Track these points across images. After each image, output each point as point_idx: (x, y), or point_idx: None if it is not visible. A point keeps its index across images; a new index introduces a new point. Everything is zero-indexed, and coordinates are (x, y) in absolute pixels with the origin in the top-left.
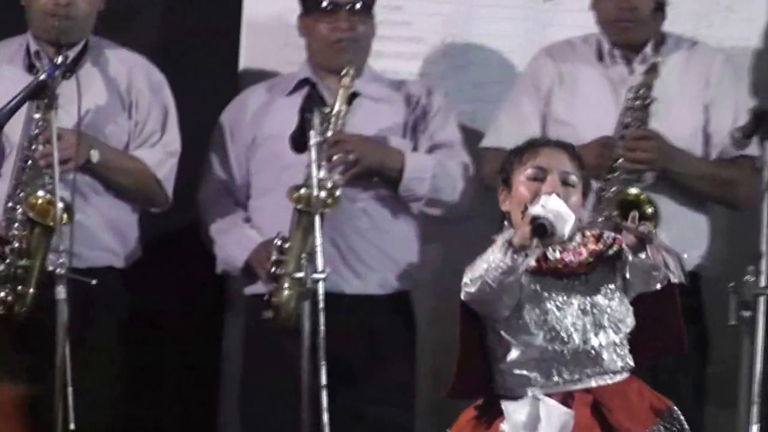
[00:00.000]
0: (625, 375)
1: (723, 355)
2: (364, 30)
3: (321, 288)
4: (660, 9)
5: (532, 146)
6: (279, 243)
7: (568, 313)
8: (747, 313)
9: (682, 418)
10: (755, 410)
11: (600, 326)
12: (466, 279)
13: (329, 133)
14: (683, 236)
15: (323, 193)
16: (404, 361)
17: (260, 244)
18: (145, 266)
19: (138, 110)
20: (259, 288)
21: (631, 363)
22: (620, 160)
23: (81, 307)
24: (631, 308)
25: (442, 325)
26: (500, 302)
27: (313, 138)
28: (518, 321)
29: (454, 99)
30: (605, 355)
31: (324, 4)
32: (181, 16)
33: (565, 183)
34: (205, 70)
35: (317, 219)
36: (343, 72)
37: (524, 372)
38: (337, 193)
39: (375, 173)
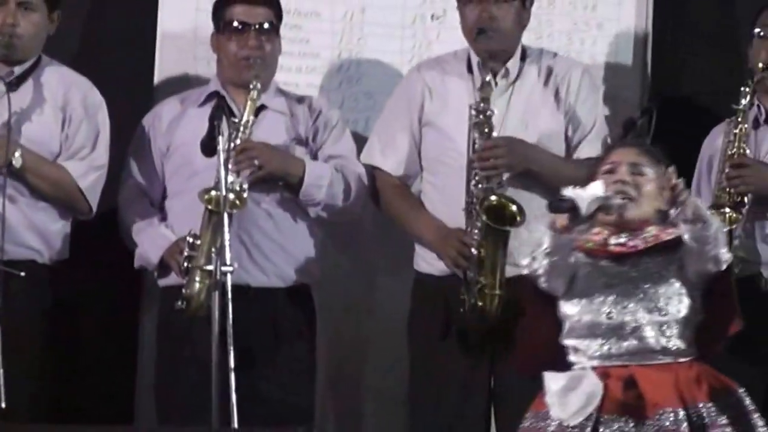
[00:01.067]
0: (677, 358)
1: None
2: (271, 48)
3: (229, 280)
4: (521, 24)
5: (608, 148)
6: (190, 240)
7: (615, 292)
8: None
9: (746, 402)
10: None
11: (646, 308)
12: (525, 259)
13: (237, 141)
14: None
15: (231, 195)
16: (304, 347)
17: (174, 241)
18: (69, 261)
19: (70, 125)
20: (172, 281)
21: (684, 346)
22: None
23: (6, 295)
24: (685, 294)
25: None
26: (553, 280)
27: (222, 144)
28: (571, 296)
29: (349, 109)
30: (649, 335)
31: (235, 23)
32: (100, 31)
33: (634, 173)
34: (121, 82)
35: (225, 218)
36: (251, 86)
37: (574, 344)
38: (244, 195)
39: (278, 178)
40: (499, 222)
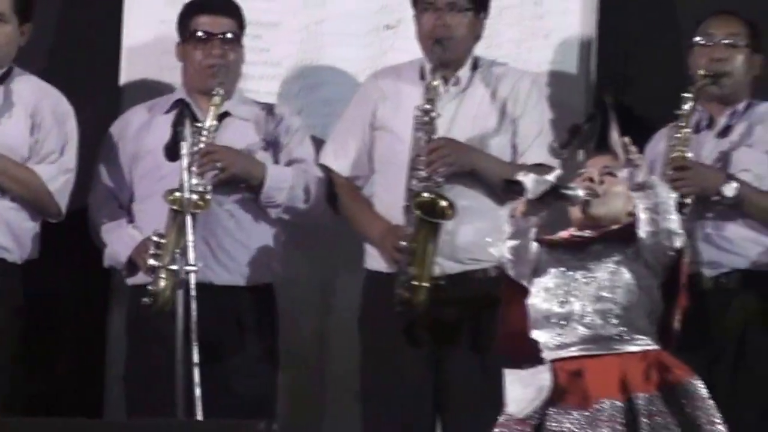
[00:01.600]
0: (626, 346)
1: None
2: (234, 57)
3: (193, 278)
4: (474, 34)
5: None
6: (156, 239)
7: (568, 281)
8: None
9: (700, 393)
10: None
11: (594, 296)
12: (499, 250)
13: (201, 145)
14: (492, 230)
15: (195, 197)
16: (266, 343)
17: (141, 241)
18: (40, 260)
19: (40, 131)
20: (140, 279)
21: (635, 335)
22: (424, 170)
23: None
24: (635, 284)
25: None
26: (519, 268)
27: (185, 148)
28: (532, 286)
29: (308, 115)
30: (596, 323)
31: (199, 33)
32: (69, 43)
33: (604, 173)
34: (89, 90)
35: (189, 219)
36: (214, 93)
37: (537, 335)
38: (207, 196)
39: (240, 181)
40: (431, 216)
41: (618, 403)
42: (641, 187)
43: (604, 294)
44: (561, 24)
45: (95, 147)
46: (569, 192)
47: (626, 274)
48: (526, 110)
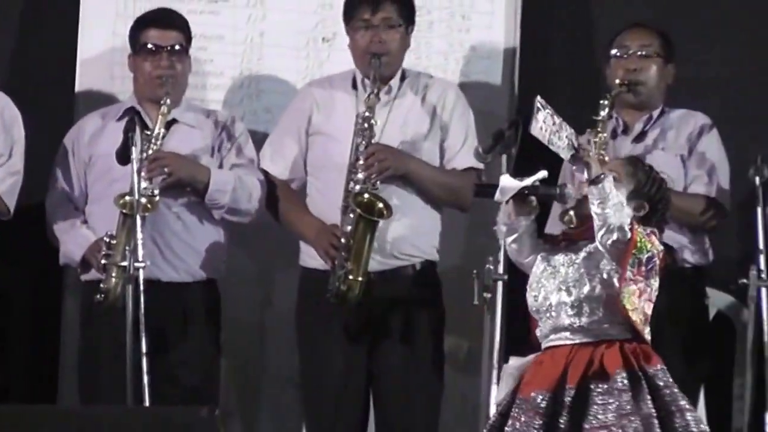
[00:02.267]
0: (585, 337)
1: (463, 330)
2: (182, 68)
3: (141, 275)
4: (405, 47)
5: None
6: (107, 240)
7: (548, 275)
8: (488, 295)
9: (620, 385)
10: (495, 373)
11: (559, 289)
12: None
13: (150, 151)
14: (420, 227)
15: (144, 200)
16: (210, 335)
17: (94, 241)
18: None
19: None
20: (92, 276)
21: (594, 326)
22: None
23: None
24: (591, 276)
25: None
26: (521, 258)
27: (135, 153)
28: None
29: (250, 122)
30: (561, 315)
31: (149, 46)
32: (29, 54)
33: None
34: (46, 100)
35: (138, 220)
36: (162, 102)
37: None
38: (156, 199)
39: (186, 184)
40: (370, 215)
41: (547, 394)
42: (593, 183)
43: (568, 287)
44: (486, 37)
45: (52, 151)
46: (555, 192)
47: (583, 269)
48: (453, 118)
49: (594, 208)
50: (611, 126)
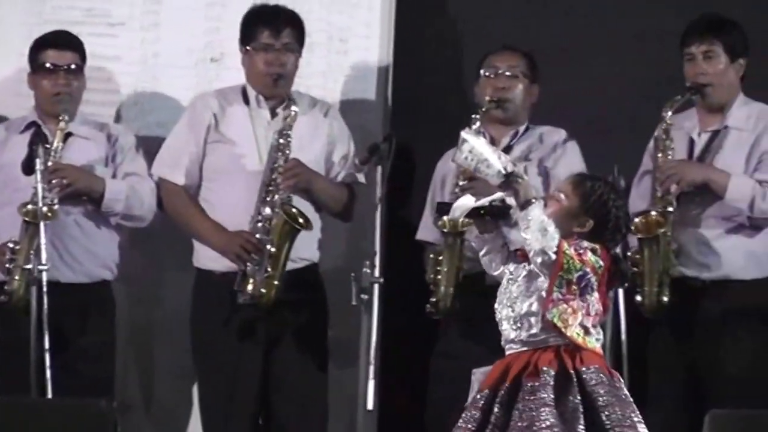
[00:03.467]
0: (524, 347)
1: (344, 327)
2: (77, 85)
3: (44, 278)
4: (296, 69)
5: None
6: (11, 245)
7: (503, 290)
8: (365, 296)
9: (544, 379)
10: (371, 369)
11: (506, 305)
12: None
13: (50, 163)
14: (311, 233)
15: (45, 208)
16: (105, 332)
17: None
18: None
19: None
20: None
21: (532, 339)
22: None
23: None
24: (529, 294)
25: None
26: (492, 271)
27: (38, 165)
28: None
29: (144, 135)
30: (506, 328)
31: (47, 65)
32: None
33: (552, 197)
34: None
35: (41, 226)
36: (60, 117)
37: None
38: (55, 207)
39: (83, 194)
40: (294, 224)
41: (480, 395)
42: (522, 208)
43: (512, 303)
44: (362, 58)
45: None
46: (503, 211)
47: (523, 286)
48: (338, 135)
49: (522, 233)
50: (477, 133)
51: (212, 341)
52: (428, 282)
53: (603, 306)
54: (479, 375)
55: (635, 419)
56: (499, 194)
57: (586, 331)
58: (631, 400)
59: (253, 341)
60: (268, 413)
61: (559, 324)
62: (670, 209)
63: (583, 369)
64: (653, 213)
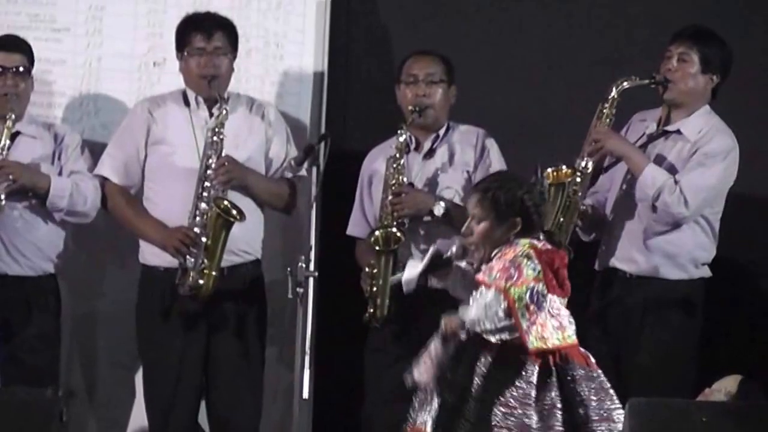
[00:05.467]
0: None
1: (281, 320)
2: (25, 86)
3: None
4: (231, 72)
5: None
6: None
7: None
8: (300, 290)
9: (525, 378)
10: (307, 359)
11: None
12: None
13: None
14: (252, 228)
15: None
16: (50, 323)
17: None
18: None
19: None
20: None
21: (493, 339)
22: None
23: None
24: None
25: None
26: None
27: None
28: None
29: (88, 136)
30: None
31: None
32: None
33: (472, 220)
34: None
35: None
36: (7, 117)
37: None
38: (2, 203)
39: (29, 190)
40: (228, 217)
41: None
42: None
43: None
44: (298, 63)
45: None
46: (444, 261)
47: (485, 309)
48: (276, 134)
49: (470, 315)
50: (405, 144)
51: (157, 331)
52: (365, 294)
53: (562, 289)
54: (448, 320)
55: (611, 406)
56: (432, 250)
57: (563, 329)
58: (609, 386)
59: (195, 331)
60: (207, 399)
61: (540, 344)
62: (587, 168)
63: (561, 364)
64: (564, 167)
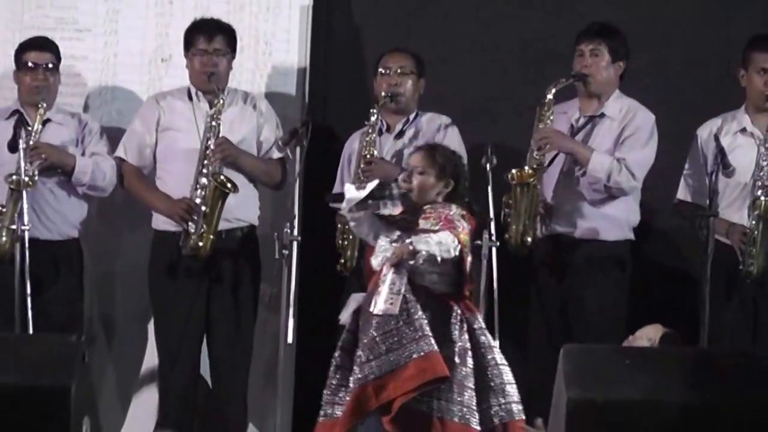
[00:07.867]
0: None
1: (271, 275)
2: (54, 80)
3: (26, 235)
4: (230, 69)
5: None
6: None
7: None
8: (286, 251)
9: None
10: (291, 310)
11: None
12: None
13: (31, 142)
14: (246, 200)
15: (26, 178)
16: (75, 280)
17: None
18: None
19: None
20: None
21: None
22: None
23: None
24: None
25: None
26: (360, 235)
27: (21, 144)
28: None
29: (106, 121)
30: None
31: (29, 63)
32: None
33: (412, 174)
34: None
35: (24, 194)
36: (39, 106)
37: None
38: (36, 178)
39: (57, 167)
40: (223, 188)
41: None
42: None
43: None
44: (284, 59)
45: None
46: (387, 194)
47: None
48: (266, 121)
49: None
50: (377, 126)
51: (166, 286)
52: (337, 247)
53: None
54: (358, 297)
55: (497, 359)
56: (375, 181)
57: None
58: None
59: (198, 285)
60: (207, 342)
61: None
62: (541, 167)
63: (469, 316)
64: (526, 167)
